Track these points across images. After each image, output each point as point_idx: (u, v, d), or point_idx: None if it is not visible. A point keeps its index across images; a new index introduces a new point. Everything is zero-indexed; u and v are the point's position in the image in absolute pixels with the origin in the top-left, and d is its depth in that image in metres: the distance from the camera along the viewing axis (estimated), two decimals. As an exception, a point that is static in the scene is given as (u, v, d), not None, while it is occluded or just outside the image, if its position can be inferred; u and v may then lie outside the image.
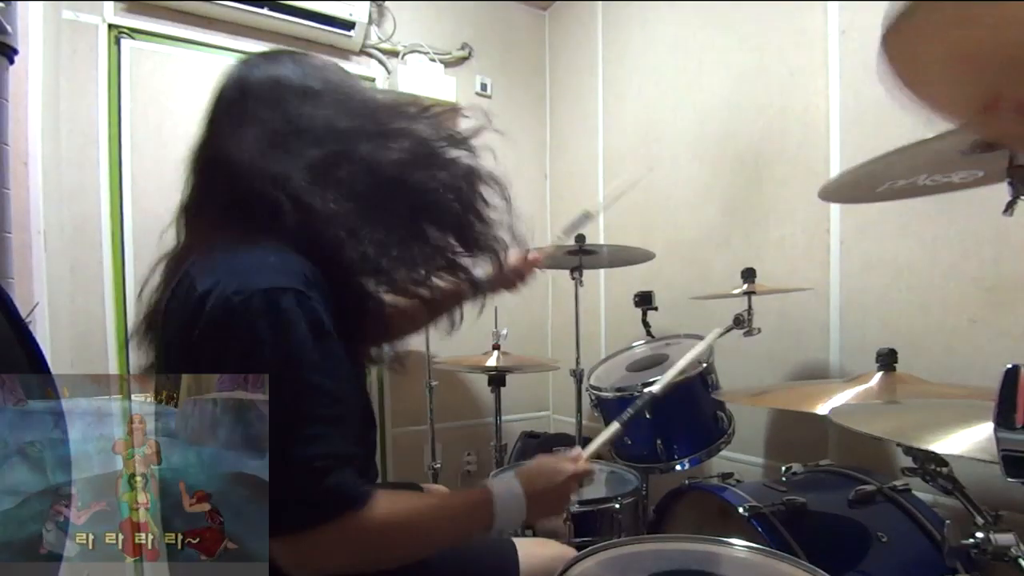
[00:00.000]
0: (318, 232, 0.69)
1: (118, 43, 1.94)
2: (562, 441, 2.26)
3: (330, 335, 0.68)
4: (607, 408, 1.55)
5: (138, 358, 0.83)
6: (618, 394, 1.48)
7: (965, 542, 0.73)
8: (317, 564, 0.65)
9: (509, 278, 1.00)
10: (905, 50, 0.56)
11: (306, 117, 0.72)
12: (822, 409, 0.93)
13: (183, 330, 0.67)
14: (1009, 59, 0.51)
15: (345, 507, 0.63)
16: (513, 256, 0.87)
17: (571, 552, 1.02)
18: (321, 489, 0.62)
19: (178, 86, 2.02)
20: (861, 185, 0.98)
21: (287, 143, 0.71)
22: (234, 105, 0.74)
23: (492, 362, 1.88)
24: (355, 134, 0.73)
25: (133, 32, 1.96)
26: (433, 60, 2.51)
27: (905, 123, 0.78)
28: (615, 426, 0.96)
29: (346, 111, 0.74)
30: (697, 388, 1.45)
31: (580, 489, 0.86)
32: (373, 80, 2.43)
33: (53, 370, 0.79)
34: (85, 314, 1.87)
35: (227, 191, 0.72)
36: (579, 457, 0.84)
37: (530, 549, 0.98)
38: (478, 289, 0.83)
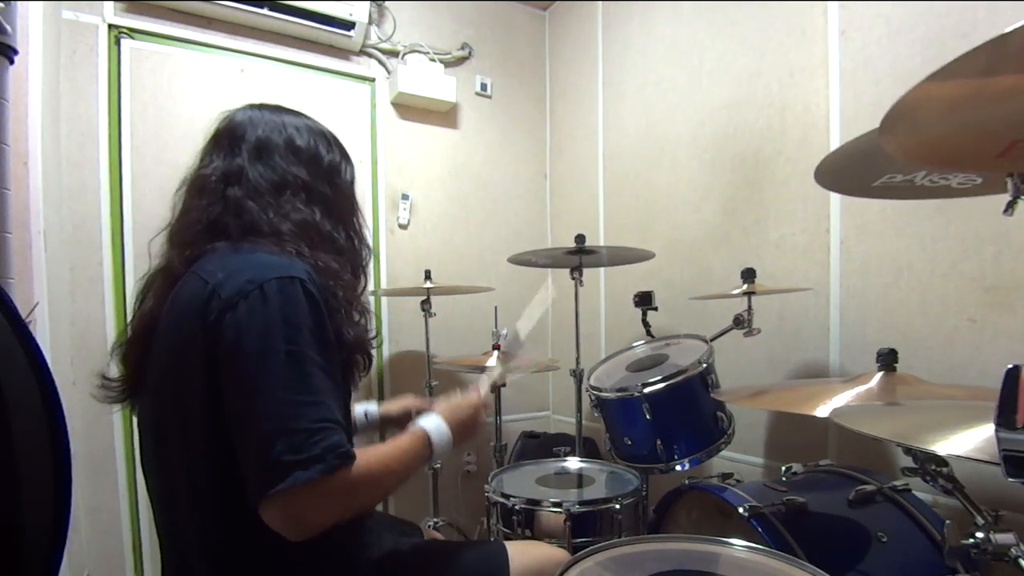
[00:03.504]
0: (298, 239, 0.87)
1: (118, 43, 1.94)
2: (562, 441, 2.26)
3: (327, 321, 0.80)
4: (607, 408, 1.55)
5: (129, 359, 0.91)
6: (618, 394, 1.48)
7: (965, 542, 0.73)
8: (311, 518, 0.72)
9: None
10: (906, 137, 0.58)
11: (286, 170, 0.91)
12: (822, 410, 0.92)
13: (194, 319, 0.76)
14: (1018, 114, 0.52)
15: (341, 463, 0.72)
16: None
17: (561, 554, 1.02)
18: (325, 447, 0.70)
19: (178, 86, 2.02)
20: (858, 174, 0.97)
21: (273, 190, 0.89)
22: (236, 146, 0.91)
23: (492, 362, 1.88)
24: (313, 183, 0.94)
25: (133, 32, 1.96)
26: (433, 60, 2.51)
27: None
28: (497, 368, 1.21)
29: (312, 170, 0.94)
30: (697, 388, 1.44)
31: (487, 417, 1.04)
32: (373, 80, 2.44)
33: (53, 370, 0.80)
34: (85, 314, 1.87)
35: (229, 211, 0.87)
36: (477, 389, 1.04)
37: (521, 550, 0.99)
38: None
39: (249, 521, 0.76)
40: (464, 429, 0.95)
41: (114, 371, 0.93)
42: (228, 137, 0.92)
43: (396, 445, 0.85)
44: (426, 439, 0.89)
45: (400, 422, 1.23)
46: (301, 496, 0.69)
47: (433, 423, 0.91)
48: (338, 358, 0.83)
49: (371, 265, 1.05)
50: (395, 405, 1.27)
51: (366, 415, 1.23)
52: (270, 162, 0.90)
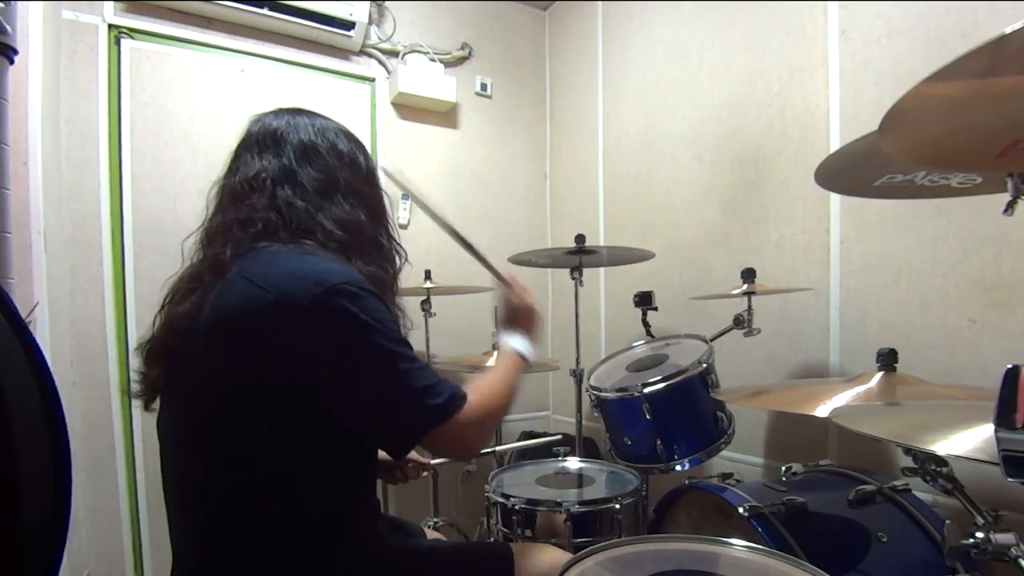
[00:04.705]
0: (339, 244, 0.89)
1: (118, 43, 1.94)
2: (562, 441, 2.26)
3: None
4: (607, 408, 1.55)
5: (163, 357, 0.88)
6: (618, 394, 1.48)
7: (965, 542, 0.73)
8: (468, 440, 0.86)
9: None
10: (906, 138, 0.58)
11: (334, 172, 0.93)
12: (822, 410, 0.92)
13: (257, 323, 0.77)
14: (1018, 114, 0.52)
15: (463, 397, 0.84)
16: None
17: (566, 556, 1.02)
18: (451, 391, 0.82)
19: (178, 86, 2.03)
20: (858, 174, 0.97)
21: (322, 191, 0.91)
22: (280, 147, 0.91)
23: (492, 362, 1.88)
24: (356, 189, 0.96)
25: (133, 32, 1.96)
26: (433, 60, 2.51)
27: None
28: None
29: (354, 173, 0.96)
30: (697, 388, 1.44)
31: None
32: (373, 80, 2.44)
33: (53, 370, 0.80)
34: (85, 314, 1.87)
35: (279, 211, 0.88)
36: (523, 288, 1.14)
37: (525, 552, 0.99)
38: None
39: (266, 519, 0.78)
40: (531, 325, 1.10)
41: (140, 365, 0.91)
42: (270, 139, 0.92)
43: (498, 370, 0.98)
44: (521, 358, 1.03)
45: (387, 467, 1.26)
46: (448, 431, 0.81)
47: (512, 341, 1.05)
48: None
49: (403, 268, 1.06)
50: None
51: None
52: (317, 163, 0.91)
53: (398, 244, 1.03)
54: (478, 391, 0.89)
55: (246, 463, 0.79)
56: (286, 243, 0.85)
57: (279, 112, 0.96)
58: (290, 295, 0.76)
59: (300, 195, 0.88)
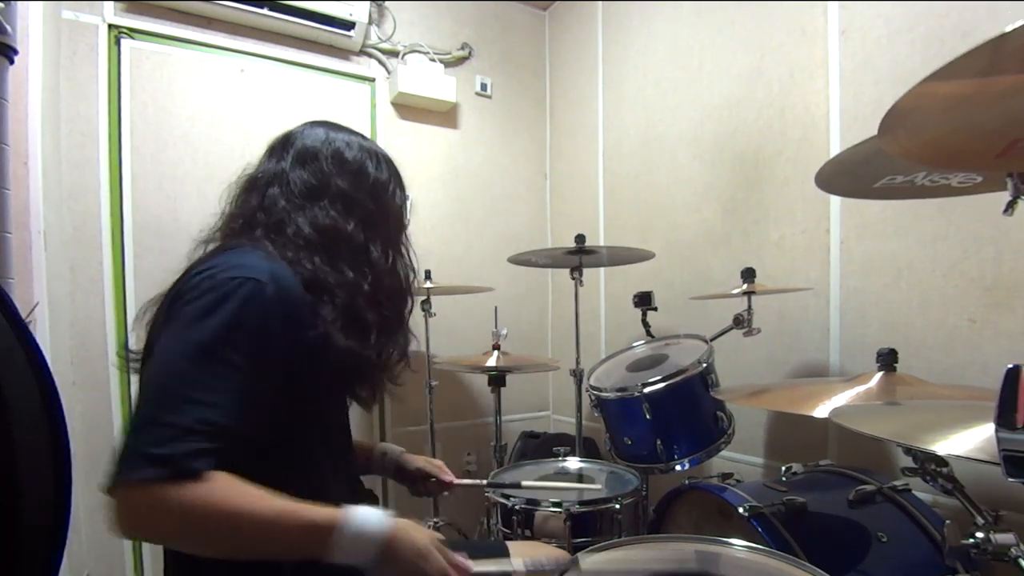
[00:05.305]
0: (302, 253, 0.87)
1: (118, 43, 1.94)
2: (562, 441, 2.26)
3: (282, 330, 0.75)
4: (607, 408, 1.55)
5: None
6: (618, 394, 1.48)
7: (965, 542, 0.73)
8: (137, 520, 0.65)
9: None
10: (906, 138, 0.59)
11: (327, 178, 0.93)
12: (822, 410, 0.92)
13: (165, 310, 0.78)
14: (1018, 113, 0.53)
15: (190, 473, 0.64)
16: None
17: (562, 554, 1.02)
18: (187, 450, 0.64)
19: (178, 86, 2.02)
20: (859, 177, 0.97)
21: (308, 194, 0.91)
22: (284, 152, 0.94)
23: (492, 362, 1.88)
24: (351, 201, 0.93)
25: (133, 32, 1.96)
26: (433, 60, 2.51)
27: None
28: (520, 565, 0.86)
29: (356, 183, 0.94)
30: (697, 388, 1.44)
31: None
32: (373, 80, 2.44)
33: (53, 370, 0.80)
34: (85, 314, 1.87)
35: (264, 208, 0.90)
36: (463, 567, 0.78)
37: (523, 552, 0.99)
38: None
39: None
40: (401, 569, 0.73)
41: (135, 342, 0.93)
42: (280, 145, 0.97)
43: (286, 510, 0.68)
44: (330, 532, 0.68)
45: (412, 479, 1.19)
46: (138, 492, 0.63)
47: (364, 526, 0.70)
48: (302, 369, 0.79)
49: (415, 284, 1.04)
50: (415, 462, 1.20)
51: (384, 454, 1.18)
52: (311, 168, 0.93)
53: (397, 260, 1.00)
54: (236, 498, 0.66)
55: None
56: (255, 241, 0.86)
57: (303, 124, 1.00)
58: (187, 282, 0.77)
59: (285, 195, 0.90)
